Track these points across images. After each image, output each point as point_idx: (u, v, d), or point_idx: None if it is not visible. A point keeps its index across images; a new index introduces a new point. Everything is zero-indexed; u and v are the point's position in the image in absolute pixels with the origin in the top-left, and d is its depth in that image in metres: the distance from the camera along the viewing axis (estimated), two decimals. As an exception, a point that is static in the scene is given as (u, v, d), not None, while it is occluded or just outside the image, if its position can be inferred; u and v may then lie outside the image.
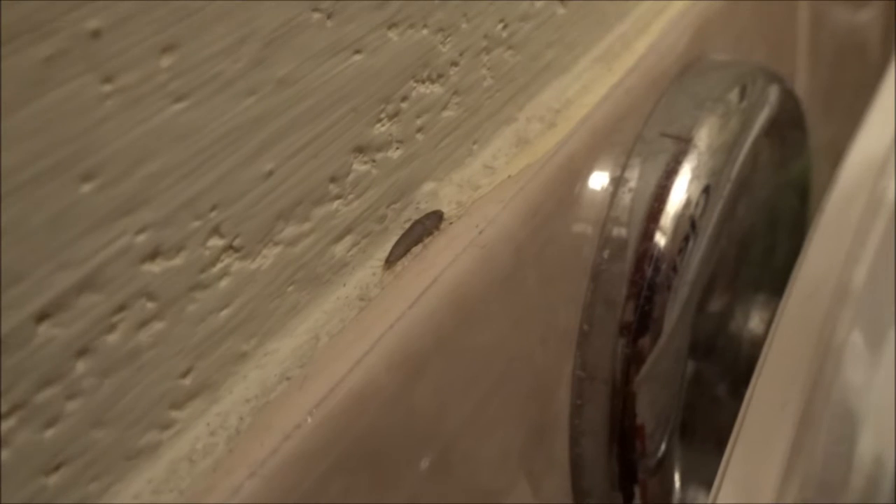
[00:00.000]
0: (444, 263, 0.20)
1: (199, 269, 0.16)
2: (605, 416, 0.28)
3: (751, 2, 0.36)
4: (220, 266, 0.17)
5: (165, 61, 0.15)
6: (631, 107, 0.27)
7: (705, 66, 0.30)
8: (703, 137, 0.28)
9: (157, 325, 0.16)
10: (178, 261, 0.16)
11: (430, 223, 0.21)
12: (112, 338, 0.15)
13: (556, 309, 0.25)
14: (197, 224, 0.16)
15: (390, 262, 0.20)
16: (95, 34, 0.14)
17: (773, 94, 0.32)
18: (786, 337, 0.26)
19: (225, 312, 0.17)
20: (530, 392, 0.24)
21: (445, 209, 0.22)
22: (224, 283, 0.17)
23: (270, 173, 0.17)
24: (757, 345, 0.33)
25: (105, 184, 0.14)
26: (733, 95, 0.30)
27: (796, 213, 0.37)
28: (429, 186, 0.22)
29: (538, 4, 0.25)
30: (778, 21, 0.41)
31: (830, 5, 0.52)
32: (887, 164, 0.32)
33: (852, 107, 0.47)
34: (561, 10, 0.26)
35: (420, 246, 0.21)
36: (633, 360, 0.28)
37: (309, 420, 0.17)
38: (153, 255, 0.15)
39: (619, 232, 0.27)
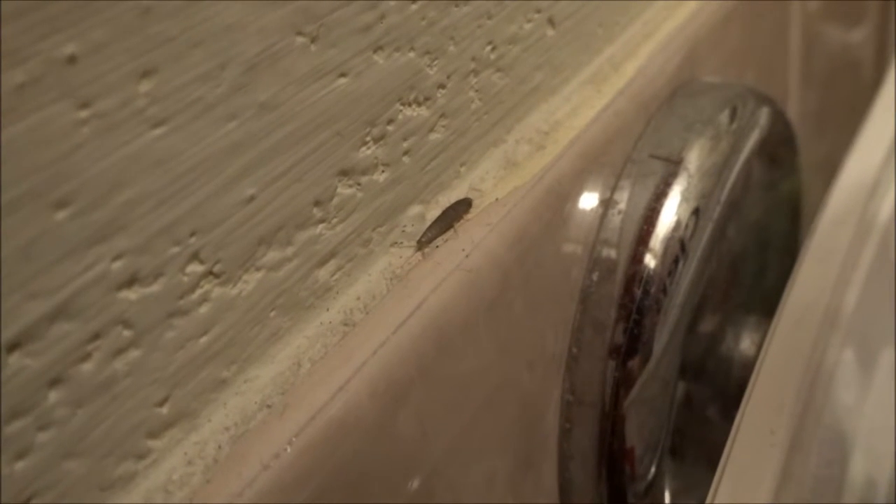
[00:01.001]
0: (428, 289, 0.20)
1: (178, 296, 0.16)
2: (594, 440, 0.27)
3: (742, 23, 0.36)
4: (199, 292, 0.16)
5: (144, 87, 0.15)
6: (620, 129, 0.27)
7: (695, 89, 0.30)
8: (693, 160, 0.28)
9: (134, 353, 0.15)
10: (155, 287, 0.16)
11: (461, 209, 0.22)
12: (86, 367, 0.15)
13: (544, 332, 0.25)
14: (175, 250, 0.16)
15: (422, 243, 0.21)
16: (71, 60, 0.13)
17: (764, 115, 0.32)
18: (775, 362, 0.26)
19: (204, 339, 0.17)
20: (517, 417, 0.24)
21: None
22: (203, 309, 0.17)
23: (252, 198, 0.17)
24: (748, 367, 0.33)
25: (80, 211, 0.14)
26: (723, 117, 0.30)
27: (787, 233, 0.37)
28: (415, 209, 0.22)
29: (527, 27, 0.25)
30: (770, 41, 0.41)
31: (823, 25, 0.52)
32: (877, 186, 0.32)
33: (846, 124, 0.47)
34: (550, 33, 0.26)
35: (451, 230, 0.22)
36: (623, 383, 0.27)
37: (288, 449, 0.17)
38: (130, 282, 0.15)
39: (608, 254, 0.27)
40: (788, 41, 0.46)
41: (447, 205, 0.23)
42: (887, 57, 0.65)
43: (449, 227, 0.22)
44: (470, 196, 0.23)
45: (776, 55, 0.44)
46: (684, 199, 0.27)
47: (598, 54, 0.28)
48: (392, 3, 0.19)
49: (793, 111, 0.48)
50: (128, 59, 0.14)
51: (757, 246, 0.35)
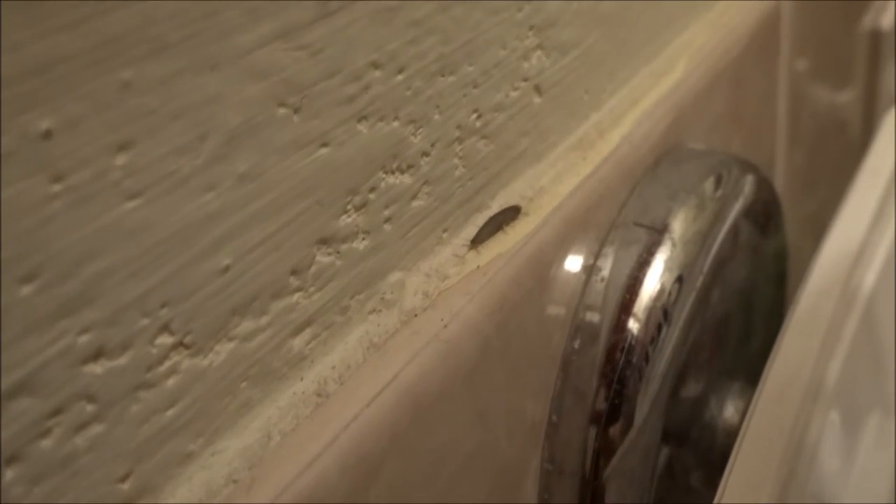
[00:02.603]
0: (405, 359, 0.20)
1: (146, 368, 0.16)
2: (574, 510, 0.27)
3: (728, 87, 0.36)
4: (168, 364, 0.16)
5: (120, 160, 0.14)
6: (604, 196, 0.27)
7: (680, 156, 0.31)
8: (677, 228, 0.28)
9: (96, 428, 0.15)
10: (122, 360, 0.15)
11: (510, 214, 0.24)
12: (46, 443, 0.14)
13: (523, 400, 0.25)
14: (145, 322, 0.16)
15: (475, 242, 0.23)
16: (47, 135, 0.13)
17: (749, 183, 0.32)
18: (757, 436, 0.25)
19: (171, 412, 0.16)
20: (494, 487, 0.24)
21: (411, 301, 0.22)
22: (172, 381, 0.16)
23: (227, 268, 0.17)
24: (731, 434, 0.32)
25: (47, 284, 0.14)
26: (708, 185, 0.30)
27: (773, 298, 0.37)
28: (395, 276, 0.22)
29: (513, 95, 0.25)
30: (757, 103, 0.42)
31: (810, 87, 0.53)
32: (861, 256, 0.32)
33: (834, 184, 0.48)
34: (537, 100, 0.26)
35: (501, 232, 0.23)
36: (603, 452, 0.27)
37: (253, 529, 0.16)
38: (96, 356, 0.15)
39: (590, 321, 0.27)
40: (776, 102, 0.46)
41: (431, 268, 0.23)
42: (875, 119, 0.66)
43: (498, 228, 0.23)
44: (458, 255, 0.23)
45: (764, 117, 0.44)
46: (668, 267, 0.27)
47: (584, 120, 0.29)
48: (377, 74, 0.20)
49: (780, 171, 0.49)
50: (105, 132, 0.14)
51: (742, 311, 0.35)
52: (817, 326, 0.29)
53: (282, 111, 0.17)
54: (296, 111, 0.18)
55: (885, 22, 0.66)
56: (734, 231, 0.30)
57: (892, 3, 0.69)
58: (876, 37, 0.66)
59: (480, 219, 0.24)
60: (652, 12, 0.32)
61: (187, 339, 0.16)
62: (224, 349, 0.17)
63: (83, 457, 0.15)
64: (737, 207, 0.30)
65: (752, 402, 0.27)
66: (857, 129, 0.69)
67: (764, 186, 0.33)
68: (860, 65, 0.66)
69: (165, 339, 0.16)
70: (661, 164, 0.30)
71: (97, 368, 0.15)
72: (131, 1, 0.14)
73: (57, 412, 0.14)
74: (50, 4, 0.13)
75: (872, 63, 0.67)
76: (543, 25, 0.25)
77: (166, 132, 0.15)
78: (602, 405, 0.27)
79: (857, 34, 0.65)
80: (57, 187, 0.14)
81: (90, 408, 0.15)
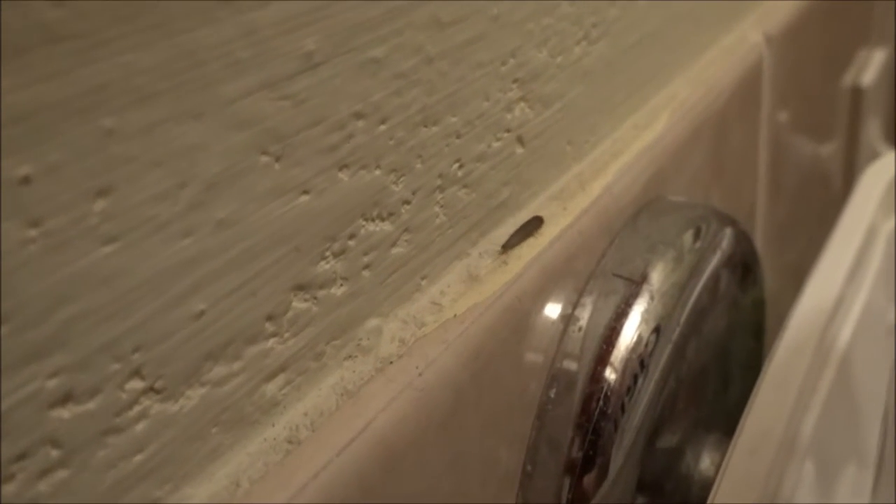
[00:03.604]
0: (378, 407, 0.20)
1: (114, 413, 0.16)
2: (547, 562, 0.27)
3: (710, 140, 0.37)
4: (137, 409, 0.16)
5: (98, 205, 0.15)
6: (583, 246, 0.27)
7: (660, 208, 0.31)
8: (655, 280, 0.28)
9: (61, 474, 0.15)
10: (91, 405, 0.15)
11: (536, 223, 0.26)
12: (8, 488, 0.14)
13: (498, 450, 0.24)
14: (116, 367, 0.16)
15: (506, 247, 0.25)
16: (25, 181, 0.13)
17: (727, 236, 0.32)
18: (730, 491, 0.25)
19: (139, 457, 0.16)
20: (465, 538, 0.23)
21: (387, 347, 0.22)
22: (141, 426, 0.16)
23: (202, 313, 0.17)
24: (707, 487, 0.32)
25: (17, 328, 0.14)
26: (687, 238, 0.30)
27: (751, 351, 0.37)
28: (372, 323, 0.22)
29: (496, 145, 0.25)
30: (738, 155, 0.43)
31: (792, 140, 0.54)
32: (836, 312, 0.32)
33: (816, 235, 0.48)
34: (519, 150, 0.26)
35: (532, 237, 0.25)
36: (578, 503, 0.27)
37: (215, 579, 0.16)
38: (64, 400, 0.15)
39: (567, 371, 0.27)
40: (758, 155, 0.47)
41: (409, 315, 0.23)
42: (856, 173, 0.67)
43: (529, 234, 0.25)
44: (435, 303, 0.23)
45: (745, 169, 0.45)
46: (645, 318, 0.27)
47: (566, 171, 0.29)
48: (360, 123, 0.20)
49: (761, 223, 0.50)
50: (84, 178, 0.14)
51: (719, 362, 0.35)
52: (792, 380, 0.29)
53: (263, 159, 0.18)
54: (277, 159, 0.18)
55: (866, 79, 0.68)
56: (712, 283, 0.31)
57: (873, 61, 0.71)
58: (857, 93, 0.68)
59: (459, 266, 0.25)
60: (635, 67, 0.33)
61: (158, 384, 0.16)
62: (196, 394, 0.17)
63: (46, 503, 0.15)
64: (715, 260, 0.31)
65: (727, 456, 0.27)
66: (839, 182, 0.70)
67: (743, 239, 0.34)
68: (841, 119, 0.68)
69: (136, 384, 0.16)
70: (640, 216, 0.30)
71: (65, 413, 0.15)
72: (117, 53, 0.14)
73: (21, 457, 0.14)
74: (36, 55, 0.13)
75: (853, 118, 0.68)
76: (527, 79, 0.26)
77: (146, 179, 0.15)
78: (577, 455, 0.27)
79: (838, 90, 0.67)
80: (33, 232, 0.14)
81: (55, 453, 0.15)
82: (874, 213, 0.38)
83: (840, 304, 0.34)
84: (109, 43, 0.14)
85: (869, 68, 0.70)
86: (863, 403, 0.34)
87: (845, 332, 0.32)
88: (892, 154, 0.45)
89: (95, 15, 0.14)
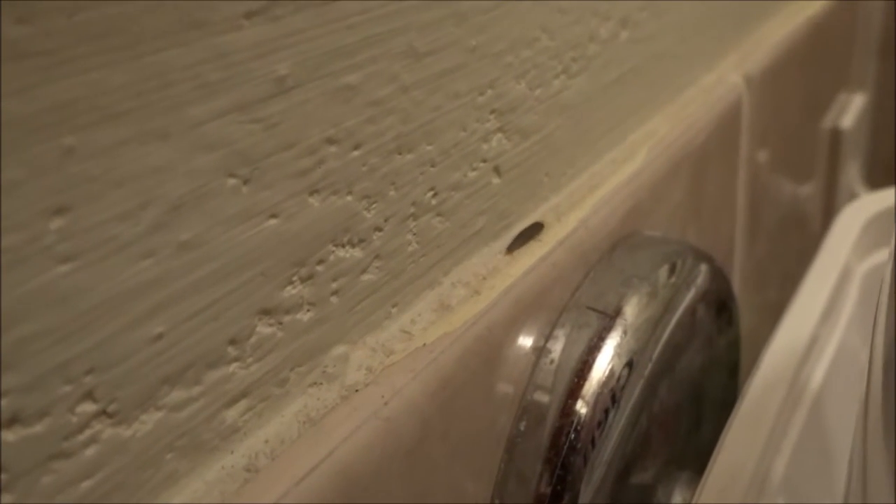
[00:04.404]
0: (341, 436, 0.19)
1: (63, 437, 0.15)
2: None
3: (688, 177, 0.37)
4: (88, 433, 0.16)
5: (55, 224, 0.14)
6: (558, 279, 0.27)
7: (636, 242, 0.31)
8: (629, 314, 0.28)
9: (4, 499, 0.14)
10: (38, 428, 0.15)
11: (536, 228, 0.26)
12: (-54, 513, 0.14)
13: (464, 483, 0.24)
14: (67, 389, 0.15)
15: (510, 249, 0.25)
16: (-21, 196, 0.13)
17: (703, 273, 0.32)
18: (699, 531, 0.25)
19: (87, 483, 0.16)
20: (428, 574, 0.23)
21: (354, 375, 0.21)
22: (91, 451, 0.16)
23: (160, 336, 0.17)
24: (678, 525, 0.32)
25: (-35, 347, 0.13)
26: (662, 273, 0.30)
27: (725, 388, 0.37)
28: (339, 350, 0.22)
29: (472, 175, 0.25)
30: (717, 193, 0.43)
31: (771, 180, 0.54)
32: (809, 352, 0.32)
33: (794, 275, 0.49)
34: (495, 181, 0.26)
35: (533, 241, 0.26)
36: (546, 539, 0.26)
37: None
38: (10, 423, 0.14)
39: (538, 403, 0.26)
40: (736, 194, 0.48)
41: (377, 342, 0.23)
42: (834, 214, 0.68)
43: (531, 237, 0.26)
44: (405, 331, 0.23)
45: (723, 207, 0.45)
46: (617, 353, 0.27)
47: (543, 202, 0.29)
48: (333, 149, 0.20)
49: (739, 261, 0.50)
50: (42, 197, 0.14)
51: (693, 399, 0.35)
52: (764, 420, 0.29)
53: (231, 182, 0.17)
54: (245, 182, 0.18)
55: (846, 121, 0.69)
56: (686, 319, 0.31)
57: (853, 104, 0.72)
58: (836, 135, 0.69)
59: (431, 294, 0.24)
60: (615, 103, 0.33)
61: (111, 408, 0.16)
62: (151, 419, 0.17)
63: (-15, 529, 0.14)
64: (689, 296, 0.31)
65: (696, 494, 0.26)
66: (818, 222, 0.71)
67: (718, 276, 0.34)
68: (821, 161, 0.69)
69: (87, 407, 0.16)
70: (616, 250, 0.30)
71: (10, 436, 0.14)
72: (83, 71, 0.14)
73: (-39, 481, 0.14)
74: (-4, 69, 0.13)
75: (833, 160, 0.69)
76: (505, 110, 0.26)
77: (106, 199, 0.15)
78: (545, 490, 0.26)
79: (818, 131, 0.68)
80: (-14, 249, 0.13)
81: (-1, 477, 0.14)
82: (849, 254, 0.38)
83: (813, 345, 0.34)
84: (75, 61, 0.14)
85: (848, 111, 0.71)
86: (835, 446, 0.34)
87: (818, 373, 0.32)
88: (869, 195, 0.46)
89: (62, 33, 0.14)
